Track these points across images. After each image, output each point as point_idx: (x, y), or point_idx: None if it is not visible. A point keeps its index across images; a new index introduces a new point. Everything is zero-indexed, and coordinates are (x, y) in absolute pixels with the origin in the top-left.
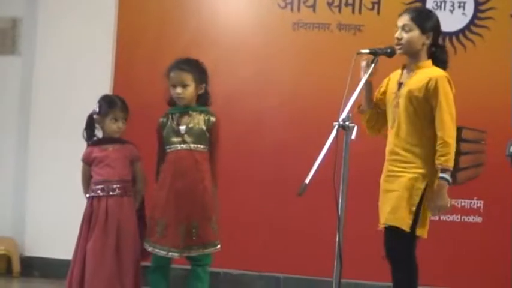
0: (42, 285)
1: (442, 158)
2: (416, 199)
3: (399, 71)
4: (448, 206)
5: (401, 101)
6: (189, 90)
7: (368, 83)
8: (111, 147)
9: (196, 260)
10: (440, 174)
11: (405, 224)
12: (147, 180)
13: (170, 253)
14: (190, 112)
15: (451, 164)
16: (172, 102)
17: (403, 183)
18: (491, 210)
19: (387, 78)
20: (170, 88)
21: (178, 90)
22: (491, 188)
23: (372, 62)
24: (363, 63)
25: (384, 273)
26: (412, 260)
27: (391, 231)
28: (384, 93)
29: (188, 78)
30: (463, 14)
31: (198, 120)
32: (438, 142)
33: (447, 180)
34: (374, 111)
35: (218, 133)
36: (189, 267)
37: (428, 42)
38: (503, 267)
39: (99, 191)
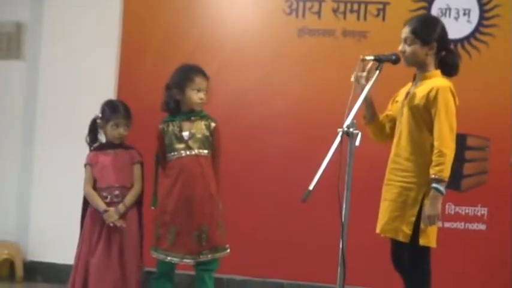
0: None
1: (436, 168)
2: (414, 209)
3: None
4: (439, 217)
5: (405, 110)
6: (206, 97)
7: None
8: (113, 153)
9: (204, 265)
10: (433, 184)
11: (402, 235)
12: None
13: (184, 260)
14: (192, 118)
15: (445, 175)
16: (169, 108)
17: (396, 193)
18: (495, 218)
19: (403, 89)
20: (189, 91)
21: (202, 95)
22: (495, 196)
23: (376, 69)
24: (359, 70)
25: (387, 280)
26: (419, 270)
27: (392, 241)
28: (397, 102)
29: (208, 85)
30: (468, 21)
31: (201, 126)
32: (434, 151)
33: (439, 191)
34: (378, 123)
35: (219, 138)
36: (192, 273)
37: (432, 52)
38: (506, 274)
39: (104, 199)
